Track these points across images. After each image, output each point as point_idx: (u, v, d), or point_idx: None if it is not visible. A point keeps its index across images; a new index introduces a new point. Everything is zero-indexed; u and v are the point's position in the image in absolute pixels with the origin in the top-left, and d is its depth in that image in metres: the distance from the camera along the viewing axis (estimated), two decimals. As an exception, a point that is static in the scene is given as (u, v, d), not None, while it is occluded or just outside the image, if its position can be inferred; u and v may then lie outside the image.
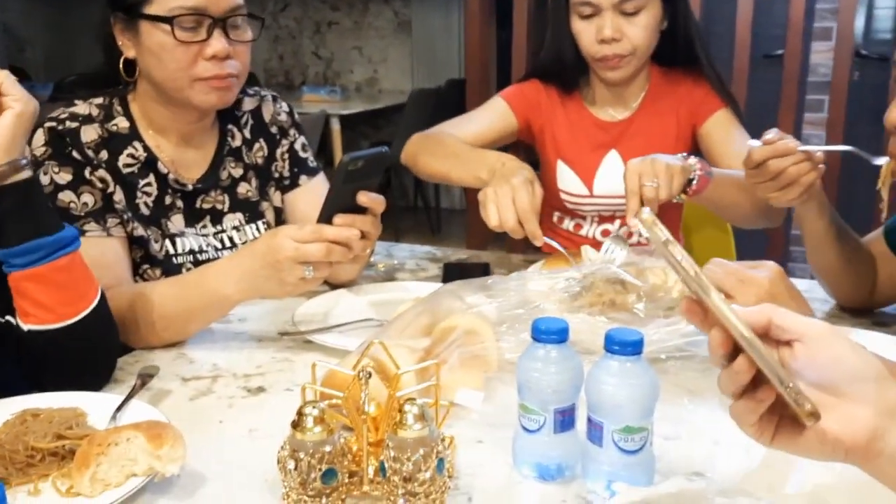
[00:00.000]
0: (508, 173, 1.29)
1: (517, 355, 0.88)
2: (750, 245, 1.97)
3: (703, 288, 0.59)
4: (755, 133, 1.26)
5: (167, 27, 1.19)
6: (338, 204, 1.10)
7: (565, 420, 0.85)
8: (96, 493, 0.78)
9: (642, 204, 1.24)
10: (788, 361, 0.61)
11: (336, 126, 4.62)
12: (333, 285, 1.41)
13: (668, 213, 1.67)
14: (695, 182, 1.30)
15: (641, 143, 1.58)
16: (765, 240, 2.35)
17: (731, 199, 1.40)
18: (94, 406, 0.93)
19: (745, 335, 0.58)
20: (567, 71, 1.64)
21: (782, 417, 0.62)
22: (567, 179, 1.67)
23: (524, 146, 1.83)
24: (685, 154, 1.34)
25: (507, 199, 1.25)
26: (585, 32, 1.52)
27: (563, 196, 1.68)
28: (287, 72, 6.27)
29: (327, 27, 6.09)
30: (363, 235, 1.11)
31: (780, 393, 0.59)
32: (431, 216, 5.35)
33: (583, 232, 1.71)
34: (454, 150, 1.53)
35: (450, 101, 4.64)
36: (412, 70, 5.93)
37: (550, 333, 0.83)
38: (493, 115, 1.69)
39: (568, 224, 1.73)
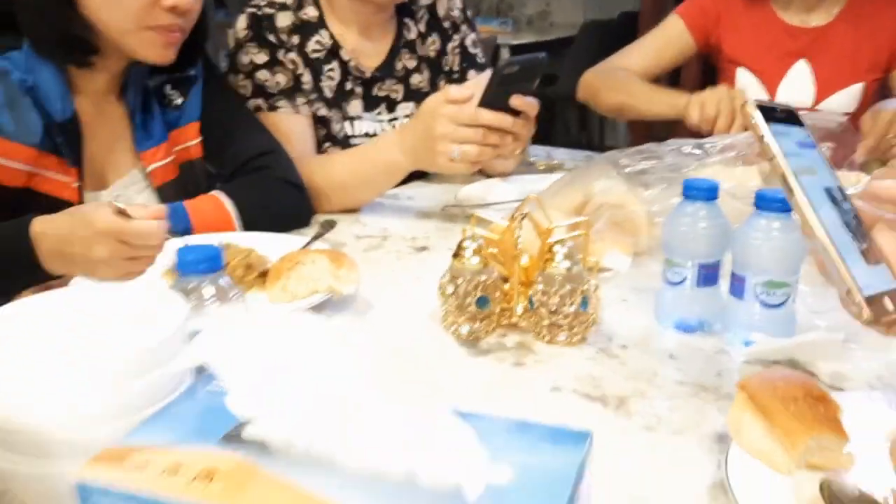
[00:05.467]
0: (708, 92, 1.35)
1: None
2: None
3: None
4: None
5: None
6: (492, 105, 1.13)
7: (709, 275, 0.88)
8: (286, 301, 0.91)
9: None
10: None
11: (505, 55, 4.66)
12: (491, 175, 1.49)
13: None
14: None
15: (834, 56, 1.53)
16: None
17: None
18: (284, 246, 1.07)
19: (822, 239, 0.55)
20: None
21: None
22: (748, 87, 1.65)
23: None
24: None
25: (713, 100, 1.32)
26: None
27: None
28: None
29: (502, -40, 6.09)
30: (515, 138, 1.16)
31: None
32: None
33: None
34: (639, 86, 1.58)
35: (622, 33, 4.54)
36: (584, 4, 5.82)
37: (700, 190, 0.87)
38: (669, 37, 1.70)
39: None
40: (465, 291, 0.86)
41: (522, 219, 0.89)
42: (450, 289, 0.87)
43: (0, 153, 1.03)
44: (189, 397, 0.54)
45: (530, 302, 0.87)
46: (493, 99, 1.14)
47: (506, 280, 0.91)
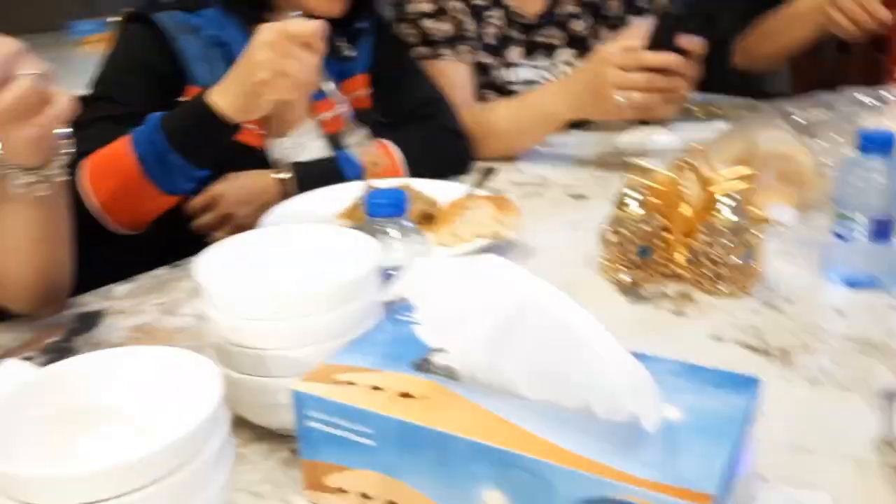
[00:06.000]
0: None
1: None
2: None
3: None
4: None
5: None
6: (657, 48, 1.14)
7: (883, 230, 0.86)
8: (454, 245, 0.96)
9: None
10: None
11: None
12: (649, 123, 1.48)
13: None
14: None
15: None
16: None
17: None
18: (447, 191, 1.12)
19: None
20: None
21: None
22: None
23: None
24: None
25: None
26: None
27: None
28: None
29: None
30: (681, 80, 1.15)
31: None
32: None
33: None
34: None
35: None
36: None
37: (876, 142, 0.84)
38: None
39: None
40: (627, 240, 0.88)
41: (687, 169, 0.89)
42: (612, 237, 0.89)
43: None
44: (381, 327, 0.60)
45: (692, 252, 0.88)
46: (658, 42, 1.14)
47: (668, 230, 0.92)
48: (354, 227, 0.69)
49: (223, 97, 0.97)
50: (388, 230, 0.71)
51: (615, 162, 1.31)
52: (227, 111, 0.96)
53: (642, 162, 1.24)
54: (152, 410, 0.52)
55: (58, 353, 0.77)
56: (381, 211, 0.69)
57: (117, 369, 0.53)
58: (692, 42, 1.15)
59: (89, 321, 0.84)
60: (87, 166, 1.01)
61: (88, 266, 0.91)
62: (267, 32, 0.92)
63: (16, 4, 3.76)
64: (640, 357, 0.51)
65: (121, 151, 1.00)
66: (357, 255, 0.63)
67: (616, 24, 1.52)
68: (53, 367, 0.52)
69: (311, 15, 1.19)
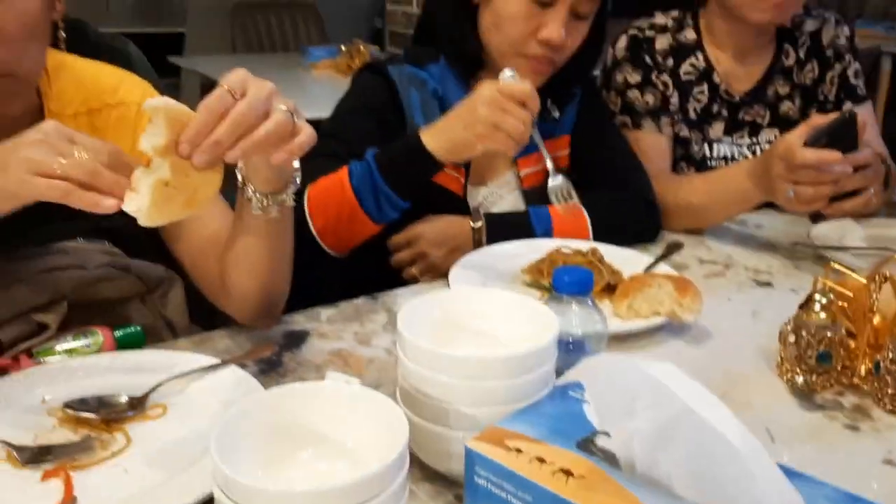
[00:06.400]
0: None
1: None
2: None
3: None
4: None
5: None
6: (826, 145, 1.12)
7: None
8: (629, 318, 1.00)
9: None
10: None
11: (887, 66, 4.22)
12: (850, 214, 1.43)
13: None
14: None
15: None
16: None
17: None
18: (631, 261, 1.16)
19: None
20: None
21: None
22: None
23: None
24: None
25: None
26: None
27: None
28: (843, 1, 5.82)
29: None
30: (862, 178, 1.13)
31: None
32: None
33: None
34: None
35: None
36: None
37: None
38: None
39: None
40: (808, 343, 0.88)
41: (884, 282, 0.88)
42: (791, 338, 0.89)
43: None
44: (551, 399, 0.65)
45: (876, 365, 0.87)
46: (837, 140, 1.12)
47: (853, 337, 0.90)
48: (537, 287, 0.75)
49: (435, 139, 1.08)
50: (571, 305, 0.76)
51: (807, 252, 1.29)
52: (436, 151, 1.07)
53: (835, 259, 1.22)
54: (350, 440, 0.60)
55: (268, 365, 0.89)
56: (566, 288, 0.75)
57: (324, 398, 0.62)
58: (863, 155, 1.12)
59: (296, 340, 0.95)
60: (309, 194, 1.15)
61: (299, 286, 1.03)
62: (488, 89, 1.01)
63: (263, 26, 4.19)
64: (798, 476, 0.53)
65: (338, 183, 1.12)
66: (537, 327, 0.69)
67: (829, 108, 1.49)
68: (274, 391, 0.62)
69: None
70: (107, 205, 0.67)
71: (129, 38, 1.59)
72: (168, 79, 4.34)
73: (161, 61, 3.84)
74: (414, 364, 0.67)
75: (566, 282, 0.75)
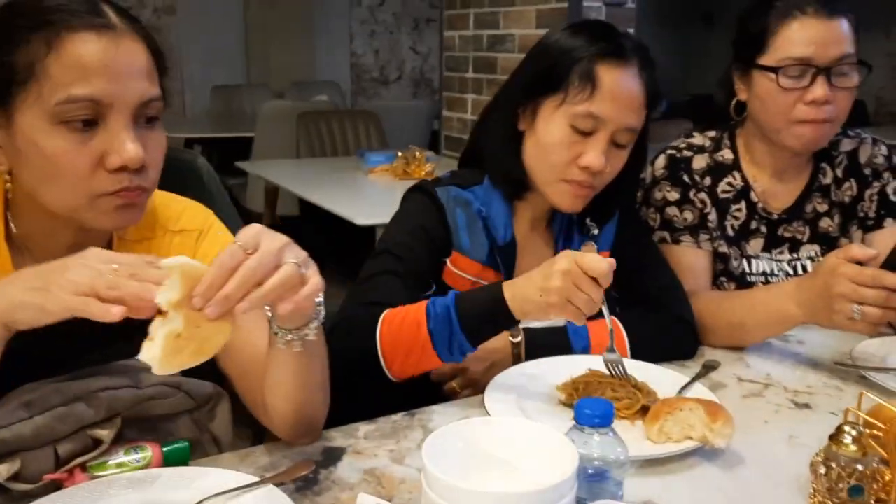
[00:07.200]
0: None
1: None
2: None
3: None
4: None
5: (773, 75, 1.36)
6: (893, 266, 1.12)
7: None
8: (660, 441, 1.01)
9: None
10: None
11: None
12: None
13: None
14: None
15: None
16: None
17: None
18: (667, 380, 1.17)
19: None
20: None
21: None
22: None
23: None
24: None
25: None
26: None
27: None
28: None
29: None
30: None
31: None
32: None
33: None
34: None
35: None
36: None
37: None
38: None
39: None
40: (839, 476, 0.87)
41: (914, 412, 0.88)
42: (822, 469, 0.89)
43: (458, 266, 1.31)
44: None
45: (911, 501, 0.85)
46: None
47: (888, 467, 0.90)
48: (571, 406, 0.77)
49: (514, 298, 1.10)
50: (593, 436, 0.78)
51: (850, 372, 1.28)
52: (513, 309, 1.10)
53: (876, 381, 1.21)
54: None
55: (305, 483, 0.93)
56: (588, 420, 0.78)
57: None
58: None
59: (333, 457, 0.99)
60: (382, 329, 1.17)
61: (342, 398, 1.07)
62: (566, 261, 1.05)
63: (326, 132, 4.40)
64: None
65: (414, 323, 1.14)
66: (559, 461, 0.72)
67: (870, 225, 1.50)
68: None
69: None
70: (114, 312, 0.75)
71: (204, 142, 1.71)
72: (236, 179, 4.57)
73: (230, 165, 4.06)
74: (436, 496, 0.70)
75: (587, 415, 0.78)
